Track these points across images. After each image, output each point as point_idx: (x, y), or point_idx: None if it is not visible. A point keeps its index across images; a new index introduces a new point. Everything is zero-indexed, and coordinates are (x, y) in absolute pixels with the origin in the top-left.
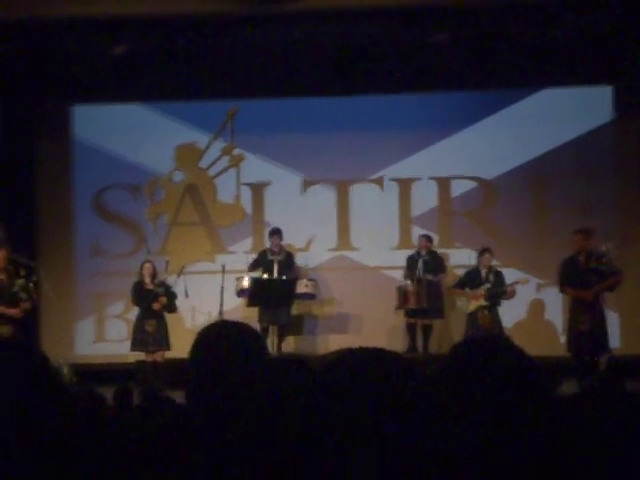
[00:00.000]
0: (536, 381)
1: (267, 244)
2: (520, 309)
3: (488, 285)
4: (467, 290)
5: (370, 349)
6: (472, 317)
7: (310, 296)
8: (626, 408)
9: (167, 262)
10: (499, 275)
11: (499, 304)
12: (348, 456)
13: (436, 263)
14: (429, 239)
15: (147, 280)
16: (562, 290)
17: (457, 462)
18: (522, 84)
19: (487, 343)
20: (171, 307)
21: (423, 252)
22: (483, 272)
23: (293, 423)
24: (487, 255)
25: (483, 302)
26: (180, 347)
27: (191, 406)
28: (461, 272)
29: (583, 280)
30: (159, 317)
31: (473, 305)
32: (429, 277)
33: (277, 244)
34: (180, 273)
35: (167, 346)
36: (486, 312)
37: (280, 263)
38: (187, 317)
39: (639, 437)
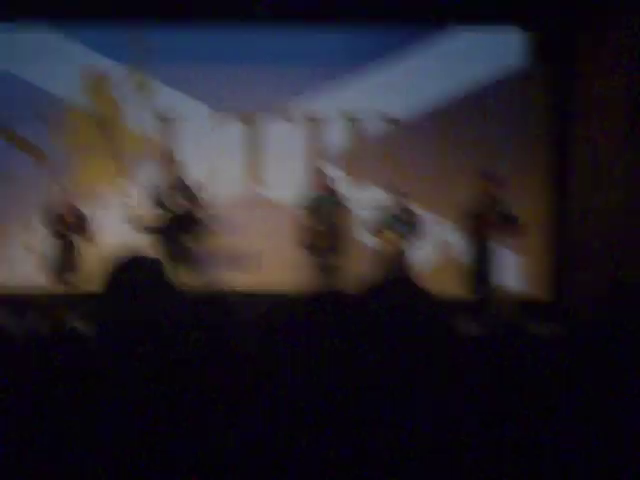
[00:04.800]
0: (439, 319)
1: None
2: (428, 249)
3: (403, 226)
4: (384, 232)
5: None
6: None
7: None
8: (530, 350)
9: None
10: (411, 214)
11: (413, 243)
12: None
13: (339, 202)
14: (326, 177)
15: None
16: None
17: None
18: (435, 20)
19: (395, 286)
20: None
21: (324, 191)
22: (397, 212)
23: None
24: (398, 195)
25: (397, 242)
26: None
27: (101, 339)
28: (370, 212)
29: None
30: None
31: (387, 246)
32: (332, 216)
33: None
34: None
35: (75, 271)
36: (391, 235)
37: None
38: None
39: (542, 378)
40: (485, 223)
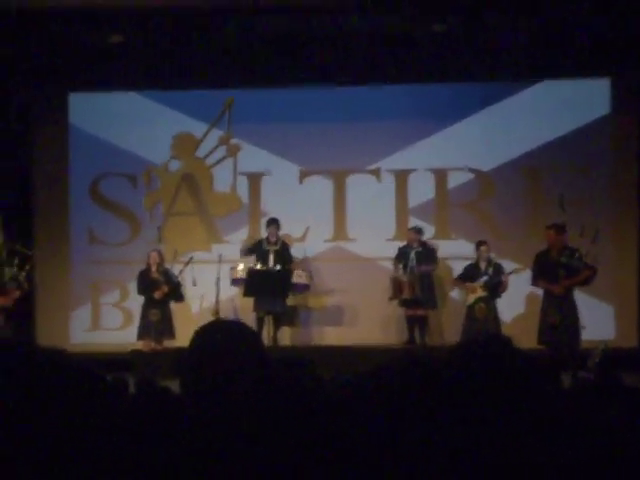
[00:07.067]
0: (534, 378)
1: (263, 234)
2: (519, 302)
3: (486, 277)
4: (467, 283)
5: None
6: (470, 310)
7: (304, 287)
8: (624, 401)
9: (175, 251)
10: (498, 267)
11: (498, 296)
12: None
13: (428, 254)
14: (418, 231)
15: (153, 269)
16: (534, 283)
17: (464, 460)
18: (520, 76)
19: (488, 346)
20: (176, 296)
21: (414, 244)
22: (482, 265)
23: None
24: (483, 247)
25: (482, 294)
26: (185, 335)
27: (186, 397)
28: (456, 263)
29: (552, 274)
30: (163, 306)
31: (472, 298)
32: (422, 268)
33: (274, 234)
34: (188, 262)
35: (171, 335)
36: (482, 305)
37: (276, 253)
38: (187, 306)
39: (636, 430)
40: (552, 273)
